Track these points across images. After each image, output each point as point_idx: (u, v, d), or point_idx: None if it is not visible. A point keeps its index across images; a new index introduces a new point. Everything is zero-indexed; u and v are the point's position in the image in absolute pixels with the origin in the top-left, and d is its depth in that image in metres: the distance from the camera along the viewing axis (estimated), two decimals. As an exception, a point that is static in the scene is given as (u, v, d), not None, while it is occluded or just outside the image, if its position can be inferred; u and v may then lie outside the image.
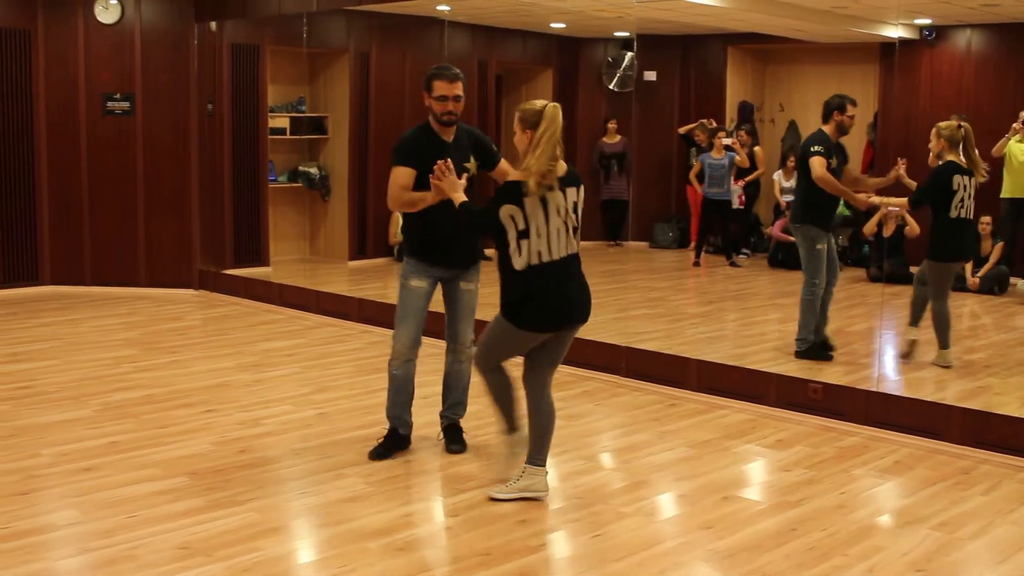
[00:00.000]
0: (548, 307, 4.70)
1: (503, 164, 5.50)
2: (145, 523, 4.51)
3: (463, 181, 4.97)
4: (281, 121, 11.14)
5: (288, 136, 11.22)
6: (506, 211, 4.63)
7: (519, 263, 4.66)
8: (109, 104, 10.14)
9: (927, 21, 9.63)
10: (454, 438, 5.65)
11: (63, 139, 10.15)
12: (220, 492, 4.91)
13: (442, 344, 5.61)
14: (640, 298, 9.64)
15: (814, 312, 7.24)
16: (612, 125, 13.05)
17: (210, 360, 7.61)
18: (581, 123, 13.32)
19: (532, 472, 4.89)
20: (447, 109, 5.22)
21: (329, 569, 4.13)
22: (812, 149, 7.12)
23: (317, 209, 11.49)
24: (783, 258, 10.64)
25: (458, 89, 5.24)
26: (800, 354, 7.25)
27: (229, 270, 10.48)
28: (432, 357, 5.81)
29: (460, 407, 5.67)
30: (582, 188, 4.81)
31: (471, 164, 5.35)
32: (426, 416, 5.98)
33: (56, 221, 10.22)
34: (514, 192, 4.63)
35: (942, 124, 7.01)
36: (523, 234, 4.63)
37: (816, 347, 7.25)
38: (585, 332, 7.59)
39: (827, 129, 7.18)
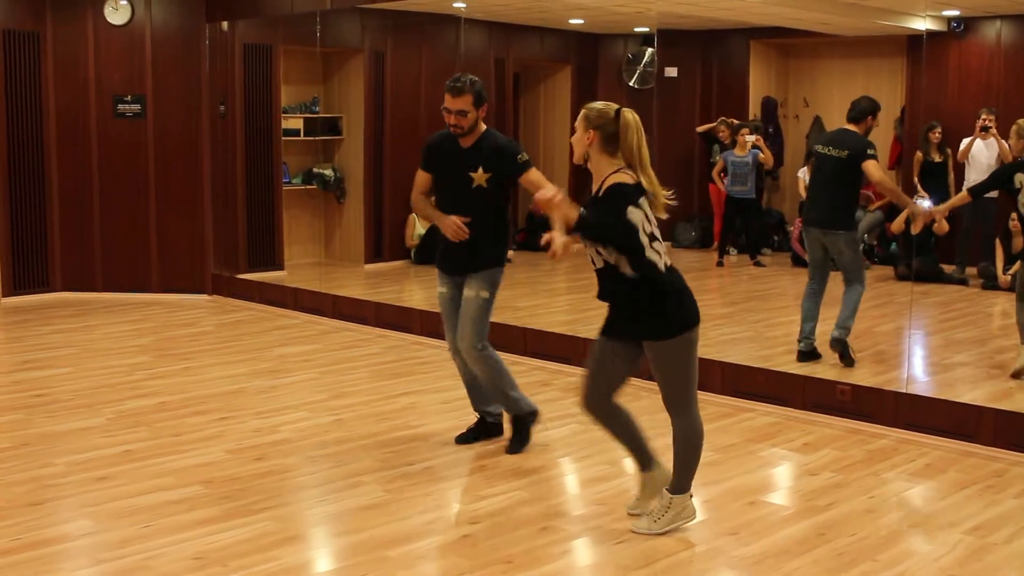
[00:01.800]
0: (692, 300, 4.49)
1: (532, 175, 5.37)
2: (160, 533, 4.46)
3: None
4: (295, 122, 11.09)
5: (302, 137, 11.16)
6: (635, 214, 4.33)
7: (663, 263, 4.41)
8: (120, 106, 10.08)
9: (955, 12, 9.52)
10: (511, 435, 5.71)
11: (73, 142, 10.10)
12: (236, 501, 4.85)
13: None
14: (661, 299, 9.55)
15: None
16: (633, 122, 12.94)
17: (224, 366, 7.56)
18: (600, 122, 13.19)
19: (679, 501, 4.61)
20: (451, 122, 5.31)
21: (348, 580, 4.07)
22: (868, 152, 6.91)
23: (332, 211, 11.42)
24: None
25: (460, 103, 5.25)
26: (836, 343, 7.07)
27: (243, 274, 10.42)
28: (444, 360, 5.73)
29: (490, 404, 5.70)
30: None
31: (477, 175, 5.34)
32: (446, 422, 5.94)
33: (67, 226, 10.17)
34: (633, 191, 4.36)
35: (1022, 121, 6.86)
36: (653, 237, 4.40)
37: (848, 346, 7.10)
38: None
39: (857, 129, 7.01)
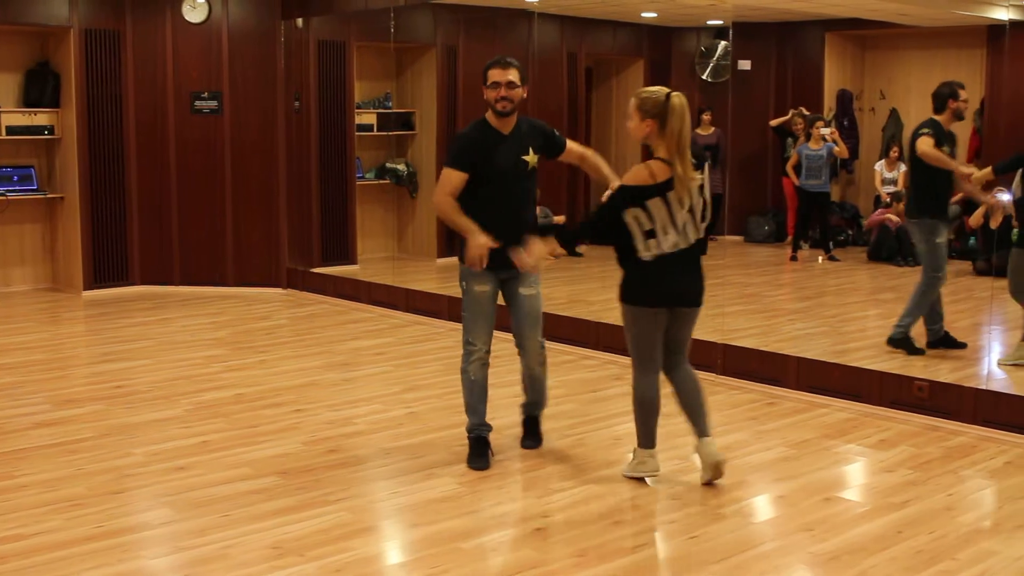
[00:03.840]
0: (660, 285, 4.76)
1: (570, 145, 5.41)
2: (237, 522, 4.51)
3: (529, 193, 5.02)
4: (368, 117, 11.15)
5: (375, 133, 11.23)
6: (630, 215, 4.66)
7: (648, 255, 4.72)
8: (197, 103, 10.22)
9: (1041, 0, 9.32)
10: (529, 433, 5.61)
11: (152, 139, 10.25)
12: (311, 492, 4.89)
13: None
14: (736, 294, 9.46)
15: (927, 302, 7.08)
16: (706, 116, 12.84)
17: (299, 359, 7.62)
18: (674, 115, 13.10)
19: (639, 454, 5.06)
20: (500, 95, 5.09)
21: (421, 570, 4.08)
22: (920, 132, 6.98)
23: (405, 206, 11.48)
24: (887, 254, 10.38)
25: (511, 75, 5.10)
26: (893, 341, 7.11)
27: (317, 268, 10.50)
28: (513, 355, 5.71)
29: (538, 405, 5.61)
30: (704, 168, 4.81)
31: (530, 157, 5.19)
32: (519, 415, 5.90)
33: (145, 221, 10.33)
34: (635, 195, 4.64)
35: None
36: (650, 234, 4.67)
37: (910, 339, 7.09)
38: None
39: (941, 119, 7.03)
